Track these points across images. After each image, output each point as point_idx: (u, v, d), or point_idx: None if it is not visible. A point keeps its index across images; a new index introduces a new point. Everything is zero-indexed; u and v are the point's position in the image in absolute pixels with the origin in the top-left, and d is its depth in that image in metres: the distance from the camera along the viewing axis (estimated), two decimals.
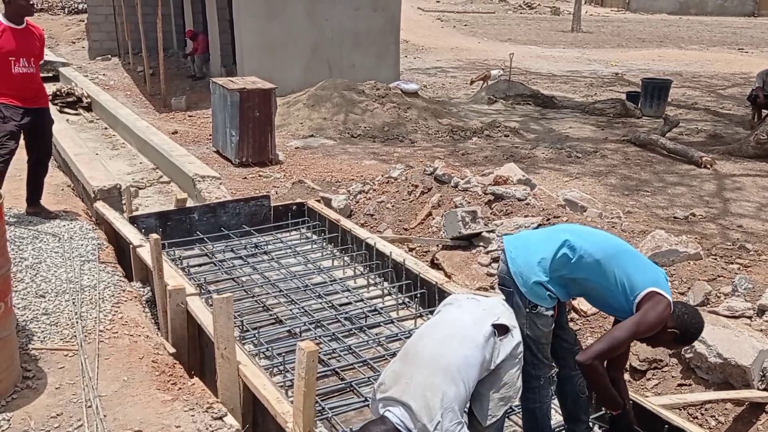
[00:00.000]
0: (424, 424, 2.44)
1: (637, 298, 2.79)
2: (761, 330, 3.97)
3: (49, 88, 11.78)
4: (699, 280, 4.61)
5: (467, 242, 5.64)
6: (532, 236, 3.10)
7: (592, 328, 4.58)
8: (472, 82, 15.30)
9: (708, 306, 4.32)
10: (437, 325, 2.79)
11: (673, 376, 4.02)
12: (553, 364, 3.04)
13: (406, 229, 6.24)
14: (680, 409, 3.61)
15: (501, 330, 2.71)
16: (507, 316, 2.78)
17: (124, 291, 4.32)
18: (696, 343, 3.73)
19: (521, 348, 2.79)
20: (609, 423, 3.15)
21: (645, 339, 2.92)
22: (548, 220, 5.60)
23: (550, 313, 2.92)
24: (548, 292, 2.89)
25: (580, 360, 2.81)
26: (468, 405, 2.71)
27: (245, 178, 8.30)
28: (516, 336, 2.77)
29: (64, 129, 8.42)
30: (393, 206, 6.58)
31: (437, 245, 5.77)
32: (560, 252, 2.88)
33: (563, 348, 3.09)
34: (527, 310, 2.87)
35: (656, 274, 2.87)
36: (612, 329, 2.90)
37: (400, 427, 2.46)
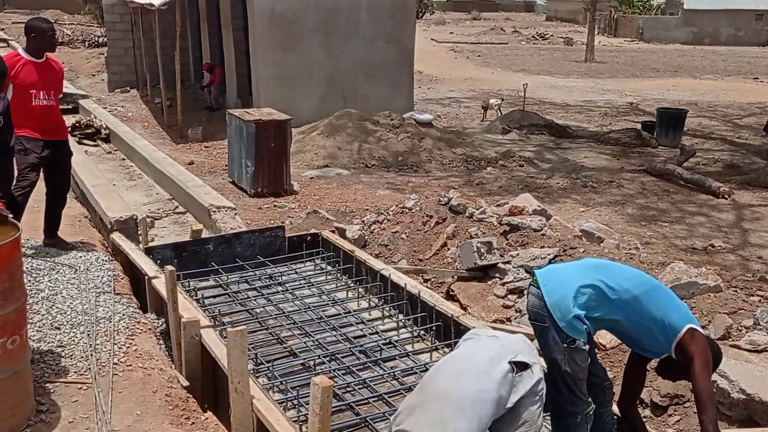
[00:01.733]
0: None
1: (678, 336, 2.78)
2: None
3: (69, 120, 12.00)
4: (720, 313, 4.53)
5: (483, 273, 5.59)
6: (566, 270, 3.06)
7: (611, 362, 4.49)
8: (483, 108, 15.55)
9: (729, 340, 4.23)
10: (454, 359, 2.76)
11: (695, 412, 3.91)
12: (590, 400, 2.97)
13: (420, 260, 6.21)
14: None
15: (519, 367, 2.66)
16: (527, 352, 2.73)
17: (138, 323, 4.31)
18: (718, 378, 3.65)
19: (542, 385, 2.73)
20: None
21: (668, 375, 2.88)
22: (565, 251, 5.55)
23: (587, 347, 2.87)
24: (586, 327, 2.85)
25: (709, 429, 2.74)
26: None
27: (260, 208, 8.33)
28: (536, 373, 2.71)
29: (83, 160, 8.52)
30: (407, 237, 6.56)
31: (452, 276, 5.73)
32: (597, 288, 2.86)
33: (593, 383, 3.03)
34: (565, 345, 2.82)
35: (687, 311, 2.90)
36: (698, 392, 2.81)
37: None
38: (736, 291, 5.21)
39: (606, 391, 3.10)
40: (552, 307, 2.88)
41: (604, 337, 4.60)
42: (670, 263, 5.48)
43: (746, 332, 4.25)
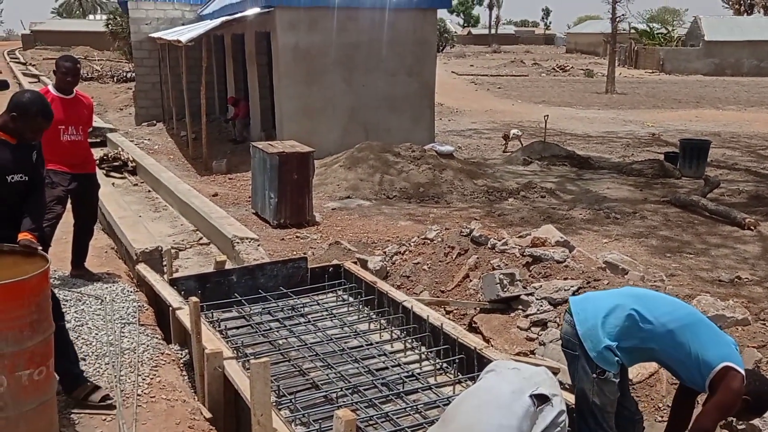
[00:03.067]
0: None
1: (711, 373, 2.72)
2: None
3: (97, 153, 12.27)
4: (748, 346, 4.44)
5: (506, 305, 5.56)
6: (601, 298, 3.04)
7: (638, 396, 4.41)
8: (505, 139, 15.63)
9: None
10: (476, 392, 2.75)
11: None
12: None
13: (443, 291, 6.18)
14: None
15: (540, 399, 2.64)
16: (548, 384, 2.72)
17: (162, 354, 4.34)
18: None
19: (564, 417, 2.71)
20: None
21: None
22: (588, 283, 5.50)
23: (618, 379, 2.84)
24: (617, 358, 2.82)
25: None
26: None
27: (283, 239, 8.39)
28: (557, 405, 2.69)
29: (110, 192, 8.68)
30: (429, 268, 6.55)
31: (475, 308, 5.70)
32: (631, 320, 2.83)
33: (623, 416, 2.99)
34: (594, 375, 2.80)
35: (728, 347, 2.80)
36: (696, 422, 2.79)
37: None
38: (764, 324, 5.11)
39: (636, 425, 3.05)
40: (583, 337, 2.86)
41: (630, 371, 4.53)
42: (697, 296, 5.40)
43: None
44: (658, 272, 6.89)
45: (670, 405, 4.25)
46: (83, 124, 5.40)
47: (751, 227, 9.12)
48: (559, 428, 2.67)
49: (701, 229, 9.29)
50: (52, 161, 5.16)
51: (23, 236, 3.48)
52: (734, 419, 3.71)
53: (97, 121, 15.19)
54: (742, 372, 2.72)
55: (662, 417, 4.23)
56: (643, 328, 2.79)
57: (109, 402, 3.61)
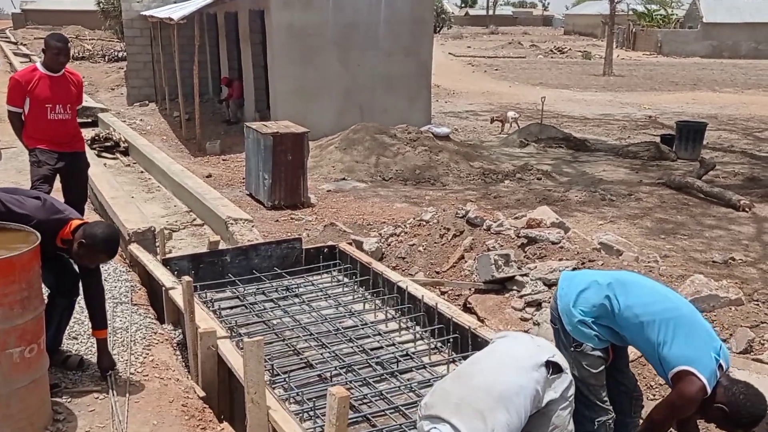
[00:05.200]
0: None
1: (670, 373, 2.70)
2: None
3: (88, 133, 12.18)
4: (741, 326, 4.44)
5: (500, 286, 5.55)
6: (587, 277, 3.03)
7: None
8: (492, 121, 15.62)
9: (751, 353, 4.15)
10: (493, 353, 2.76)
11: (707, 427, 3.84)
12: (610, 408, 2.92)
13: (438, 273, 6.18)
14: None
15: (555, 368, 2.65)
16: (560, 356, 2.73)
17: (155, 333, 4.32)
18: None
19: (573, 390, 2.72)
20: None
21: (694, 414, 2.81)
22: (583, 263, 5.49)
23: (598, 353, 2.84)
24: (595, 333, 2.81)
25: None
26: None
27: (277, 220, 8.35)
28: (568, 377, 2.70)
29: (101, 173, 8.62)
30: (425, 249, 6.54)
31: (470, 289, 5.69)
32: (601, 302, 2.83)
33: (620, 392, 2.99)
34: (572, 348, 2.81)
35: (700, 352, 2.69)
36: (651, 412, 2.82)
37: None
38: (757, 304, 5.12)
39: (634, 401, 3.05)
40: (561, 311, 2.89)
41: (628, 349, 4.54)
42: (690, 276, 5.40)
43: None
44: (652, 253, 6.89)
45: (662, 383, 4.27)
46: (71, 103, 5.33)
47: (746, 209, 9.13)
48: (567, 402, 2.68)
49: (696, 210, 9.30)
50: (39, 140, 5.11)
51: (99, 335, 3.69)
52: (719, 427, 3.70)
53: (88, 101, 15.07)
54: (703, 379, 2.64)
55: (654, 395, 4.24)
56: (614, 314, 2.80)
57: (84, 367, 3.72)
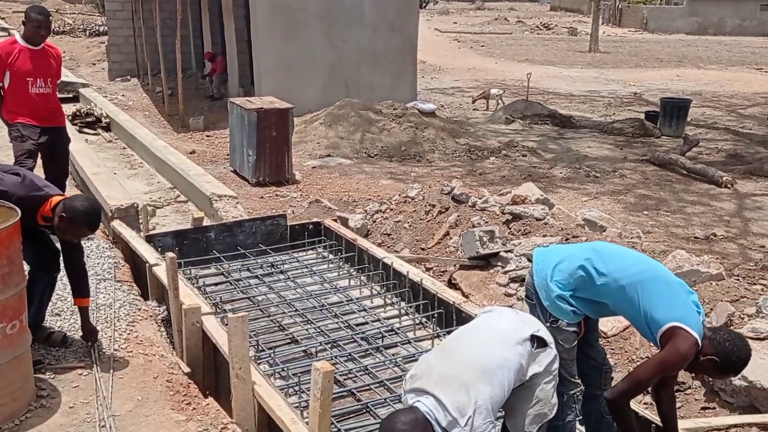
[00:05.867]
0: (455, 419, 2.40)
1: (659, 332, 2.70)
2: None
3: (69, 108, 11.99)
4: (722, 301, 4.51)
5: (485, 262, 5.58)
6: (561, 251, 3.04)
7: (612, 349, 4.49)
8: (474, 101, 15.48)
9: (732, 327, 4.22)
10: (477, 327, 2.77)
11: (696, 399, 3.92)
12: (579, 381, 2.96)
13: (423, 249, 6.19)
14: None
15: (539, 342, 2.67)
16: (545, 331, 2.75)
17: (139, 310, 4.31)
18: None
19: (557, 364, 2.75)
20: None
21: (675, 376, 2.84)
22: (567, 239, 5.53)
23: (572, 329, 2.86)
24: (572, 308, 2.83)
25: (607, 397, 2.81)
26: (503, 420, 2.67)
27: (262, 197, 8.31)
28: (552, 351, 2.72)
29: (83, 148, 8.50)
30: (410, 226, 6.54)
31: (454, 265, 5.72)
32: (580, 272, 2.83)
33: (590, 366, 3.03)
34: (548, 324, 2.82)
35: (684, 308, 2.72)
36: (636, 369, 2.83)
37: (429, 417, 2.42)
38: (738, 279, 5.19)
39: (603, 374, 3.10)
40: (538, 286, 2.89)
41: (605, 324, 4.59)
42: (672, 251, 5.46)
43: (749, 320, 4.24)
44: (635, 229, 6.95)
45: (643, 357, 4.34)
46: (52, 76, 5.24)
47: (728, 185, 9.22)
48: (550, 376, 2.70)
49: (678, 187, 9.37)
50: (21, 114, 5.03)
51: (81, 303, 3.71)
52: (710, 379, 3.77)
53: (68, 76, 14.81)
54: (694, 333, 2.66)
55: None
56: (595, 282, 2.79)
57: (68, 343, 3.72)
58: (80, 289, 3.72)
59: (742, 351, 2.76)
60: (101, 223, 6.05)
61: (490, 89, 15.88)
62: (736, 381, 3.64)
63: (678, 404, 3.91)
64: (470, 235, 5.63)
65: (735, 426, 3.60)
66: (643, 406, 3.63)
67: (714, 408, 3.78)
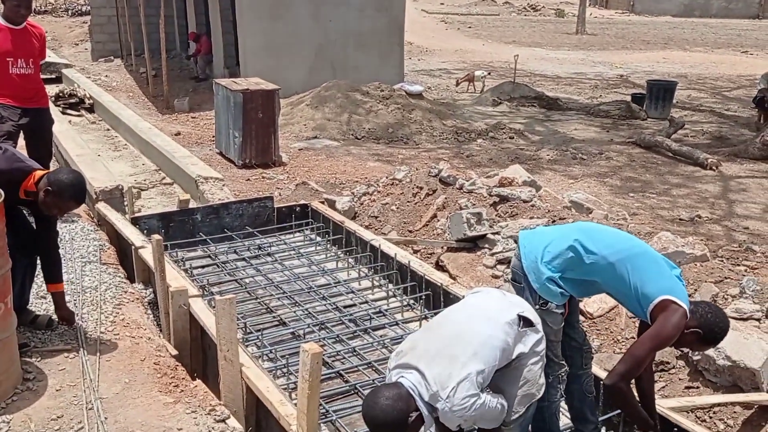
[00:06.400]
0: (437, 391, 2.41)
1: (650, 306, 2.73)
2: None
3: (52, 89, 11.80)
4: (706, 281, 4.56)
5: (472, 244, 5.59)
6: (547, 232, 3.05)
7: (598, 330, 4.53)
8: (458, 83, 15.42)
9: None
10: (464, 307, 2.79)
11: (680, 379, 3.97)
12: (564, 362, 2.99)
13: (410, 231, 6.20)
14: (688, 412, 3.56)
15: (526, 323, 2.67)
16: (532, 312, 2.76)
17: (125, 292, 4.28)
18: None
19: (543, 345, 2.76)
20: None
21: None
22: (554, 221, 5.55)
23: (561, 310, 2.88)
24: (560, 290, 2.84)
25: (606, 383, 2.82)
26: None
27: (248, 179, 8.27)
28: (540, 331, 2.74)
29: (66, 130, 8.40)
30: (398, 208, 6.54)
31: (442, 247, 5.73)
32: (570, 252, 2.84)
33: (571, 347, 3.06)
34: (537, 307, 2.83)
35: (671, 281, 2.78)
36: (631, 347, 2.84)
37: (412, 392, 2.44)
38: (722, 261, 5.25)
39: (584, 354, 3.13)
40: (527, 269, 2.89)
41: (591, 305, 4.64)
42: (657, 233, 5.50)
43: (732, 301, 4.28)
44: (621, 211, 6.99)
45: (628, 338, 4.39)
46: (34, 57, 5.14)
47: (713, 167, 9.29)
48: (537, 357, 2.72)
49: (664, 169, 9.43)
50: (1, 95, 4.93)
51: (54, 288, 3.64)
52: (691, 351, 3.83)
53: (51, 57, 14.56)
54: (684, 305, 2.72)
55: (620, 349, 4.35)
56: (585, 261, 2.81)
57: (53, 326, 3.67)
58: (54, 274, 3.63)
59: (723, 322, 2.82)
60: (86, 205, 6.01)
61: (474, 71, 15.83)
62: (720, 361, 3.69)
63: (662, 384, 3.97)
64: (457, 218, 5.63)
65: (718, 405, 3.65)
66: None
67: (698, 387, 3.83)
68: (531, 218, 5.69)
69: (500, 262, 5.34)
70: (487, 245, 5.54)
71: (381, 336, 4.31)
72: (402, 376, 2.49)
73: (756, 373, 3.58)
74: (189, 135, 10.62)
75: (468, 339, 2.54)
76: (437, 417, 2.49)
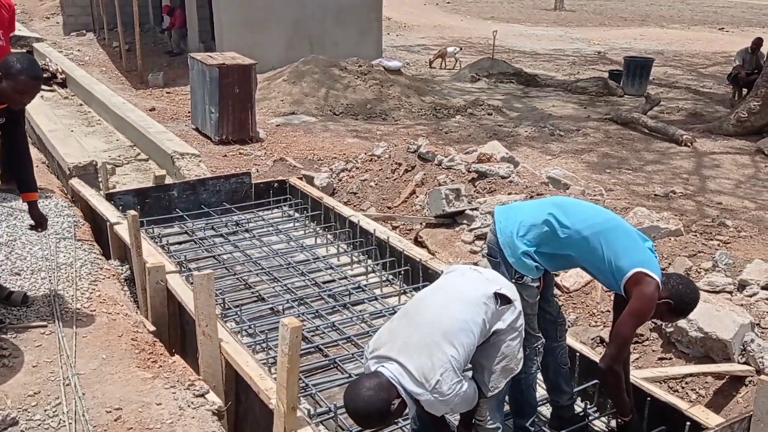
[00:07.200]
0: (422, 383, 2.42)
1: (624, 279, 2.77)
2: (741, 305, 4.00)
3: None
4: (680, 255, 4.63)
5: (451, 220, 5.62)
6: (523, 207, 3.06)
7: (574, 304, 4.60)
8: (430, 63, 15.26)
9: None
10: (439, 289, 2.77)
11: (653, 350, 4.05)
12: (540, 335, 3.03)
13: (389, 208, 6.20)
14: (662, 383, 3.63)
15: (503, 300, 2.68)
16: (509, 288, 2.76)
17: (101, 269, 4.23)
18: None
19: (522, 320, 2.77)
20: (618, 429, 3.13)
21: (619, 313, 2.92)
22: (531, 197, 5.58)
23: (536, 284, 2.91)
24: (535, 264, 2.86)
25: (601, 368, 2.85)
26: (471, 375, 2.71)
27: (225, 155, 8.19)
28: (517, 307, 2.75)
29: (38, 105, 8.19)
30: (376, 184, 6.53)
31: (421, 223, 5.74)
32: (545, 227, 2.86)
33: (546, 320, 3.09)
34: (513, 281, 2.85)
35: (644, 254, 2.82)
36: (615, 328, 2.88)
37: (393, 381, 2.44)
38: (695, 235, 5.34)
39: (558, 327, 3.18)
40: (503, 244, 2.90)
41: (567, 280, 4.70)
42: (633, 208, 5.57)
43: (705, 274, 4.37)
44: (597, 187, 7.06)
45: (604, 311, 4.46)
46: (4, 29, 5.00)
47: (688, 143, 9.40)
48: (516, 333, 2.73)
49: (639, 145, 9.52)
50: None
51: (29, 197, 3.58)
52: (661, 322, 3.91)
53: (22, 30, 14.22)
54: (656, 277, 2.76)
55: (595, 322, 4.43)
56: (559, 235, 2.83)
57: (28, 302, 3.62)
58: (29, 183, 3.61)
59: (694, 293, 2.88)
60: (60, 181, 5.91)
61: (447, 47, 15.72)
62: (693, 332, 3.76)
63: (636, 355, 4.04)
64: (436, 194, 5.64)
65: (691, 375, 3.74)
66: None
67: (671, 358, 3.91)
68: (509, 194, 5.72)
69: (478, 237, 5.37)
70: (465, 221, 5.57)
71: (360, 311, 4.33)
72: (382, 365, 2.49)
73: (727, 344, 3.66)
74: (164, 110, 10.46)
75: (446, 326, 2.53)
76: (419, 403, 2.51)
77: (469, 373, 2.74)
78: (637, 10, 29.62)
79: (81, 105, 10.68)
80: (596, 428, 3.25)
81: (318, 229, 5.59)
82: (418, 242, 5.56)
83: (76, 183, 5.55)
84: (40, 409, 2.87)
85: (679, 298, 2.82)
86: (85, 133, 9.11)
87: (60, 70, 11.84)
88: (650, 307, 2.77)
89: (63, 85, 11.64)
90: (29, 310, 3.58)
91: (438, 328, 2.53)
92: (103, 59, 14.92)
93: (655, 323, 4.03)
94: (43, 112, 7.82)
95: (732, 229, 5.84)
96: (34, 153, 6.54)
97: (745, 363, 3.69)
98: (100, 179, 5.88)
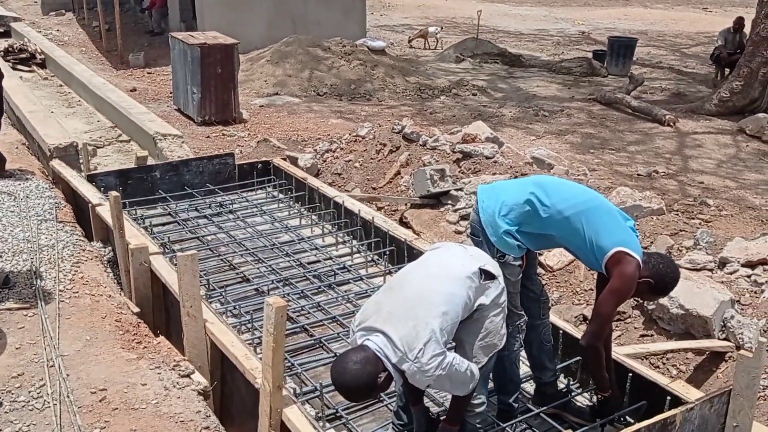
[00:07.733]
0: (405, 353, 2.44)
1: (605, 258, 2.79)
2: (722, 282, 4.06)
3: (1, 44, 11.34)
4: (662, 234, 4.68)
5: (436, 200, 5.62)
6: (505, 186, 3.06)
7: (558, 282, 4.64)
8: (410, 40, 15.20)
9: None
10: (424, 264, 2.78)
11: (635, 327, 4.10)
12: (523, 313, 3.05)
13: (374, 188, 6.19)
14: (643, 359, 3.69)
15: (487, 275, 2.70)
16: (493, 264, 2.78)
17: (83, 251, 4.20)
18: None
19: (505, 297, 2.79)
20: (597, 404, 3.18)
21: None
22: (516, 177, 5.60)
23: (518, 263, 2.92)
24: (517, 243, 2.88)
25: (582, 345, 2.88)
26: (454, 349, 2.73)
27: (208, 136, 8.12)
28: (501, 283, 2.77)
29: (18, 86, 8.08)
30: (361, 165, 6.51)
31: (406, 204, 5.74)
32: (526, 206, 2.87)
33: (529, 298, 3.11)
34: (495, 259, 2.87)
35: (625, 233, 2.83)
36: (596, 307, 2.90)
37: (378, 354, 2.46)
38: (677, 214, 5.40)
39: (542, 305, 3.20)
40: (485, 223, 2.91)
41: (551, 259, 4.73)
42: (616, 188, 5.62)
43: (686, 252, 4.42)
44: (581, 167, 7.10)
45: (587, 289, 4.50)
46: None
47: (671, 124, 9.45)
48: (499, 309, 2.75)
49: (622, 126, 9.56)
50: None
51: None
52: (642, 301, 3.96)
53: None
54: (637, 256, 2.78)
55: (579, 300, 4.48)
56: (541, 214, 2.85)
57: (10, 284, 3.58)
58: None
59: (674, 273, 2.91)
60: (41, 163, 5.83)
61: (428, 27, 15.64)
62: (674, 309, 3.82)
63: (618, 333, 4.10)
64: (421, 174, 5.64)
65: (672, 351, 3.80)
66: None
67: (652, 335, 3.97)
68: (494, 174, 5.74)
69: (463, 218, 5.39)
70: (450, 201, 5.58)
71: (345, 291, 4.33)
72: (367, 339, 2.51)
73: (708, 320, 3.72)
74: (145, 91, 10.34)
75: (431, 299, 2.55)
76: (405, 377, 2.53)
77: (452, 352, 2.76)
78: None
79: (61, 86, 10.52)
80: (579, 404, 3.30)
81: (302, 209, 5.57)
82: (403, 223, 5.56)
83: (57, 164, 5.49)
84: (24, 391, 2.86)
85: (660, 277, 2.84)
86: (66, 114, 8.99)
87: (39, 51, 11.63)
88: (630, 286, 2.80)
89: (42, 65, 11.45)
90: (11, 292, 3.56)
91: (423, 300, 2.55)
92: (82, 39, 14.68)
93: (637, 301, 4.08)
94: (22, 92, 7.70)
95: (713, 208, 5.90)
96: (13, 134, 6.47)
97: (725, 339, 3.75)
98: (81, 160, 5.82)
